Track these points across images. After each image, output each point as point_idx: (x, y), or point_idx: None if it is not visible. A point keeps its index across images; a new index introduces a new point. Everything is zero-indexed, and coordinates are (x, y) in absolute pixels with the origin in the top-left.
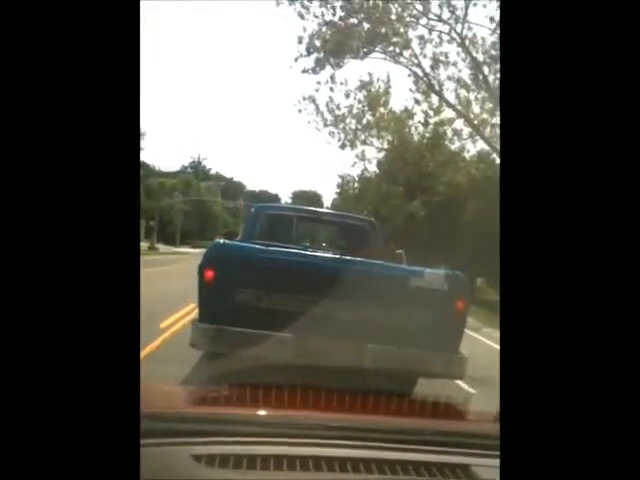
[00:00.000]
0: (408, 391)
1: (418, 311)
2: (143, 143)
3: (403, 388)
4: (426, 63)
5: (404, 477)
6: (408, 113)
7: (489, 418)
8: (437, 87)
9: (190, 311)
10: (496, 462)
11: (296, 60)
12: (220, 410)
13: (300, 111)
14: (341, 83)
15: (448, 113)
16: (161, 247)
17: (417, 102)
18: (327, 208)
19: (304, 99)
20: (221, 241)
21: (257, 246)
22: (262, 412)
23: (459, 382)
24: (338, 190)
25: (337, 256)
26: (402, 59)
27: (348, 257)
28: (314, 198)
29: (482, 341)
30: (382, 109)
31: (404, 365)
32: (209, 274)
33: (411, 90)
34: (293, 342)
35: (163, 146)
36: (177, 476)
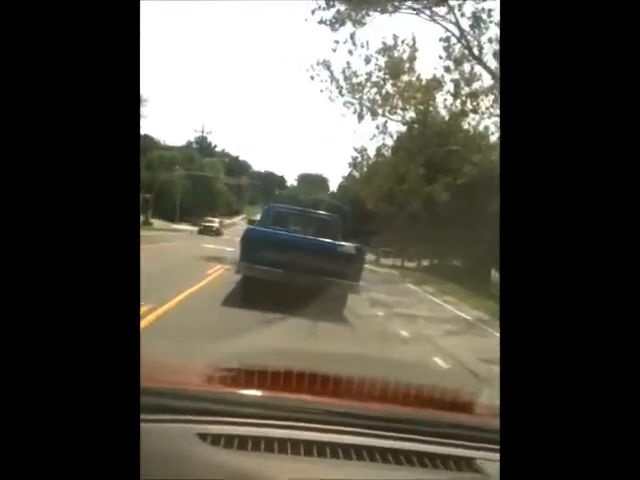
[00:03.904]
0: (341, 302)
1: (341, 263)
2: (147, 112)
3: (339, 301)
4: (464, 22)
5: (408, 467)
6: (437, 82)
7: (495, 412)
8: (476, 51)
9: (161, 315)
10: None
11: (313, 13)
12: (227, 390)
13: (313, 78)
14: (361, 46)
15: (483, 83)
16: (156, 223)
17: (447, 70)
18: (332, 192)
19: (318, 64)
20: (250, 226)
21: (267, 229)
22: (269, 395)
23: None
24: (350, 169)
25: (307, 236)
26: (437, 16)
27: (313, 237)
28: (320, 182)
29: None
30: (406, 77)
31: (334, 287)
32: (244, 243)
33: (441, 57)
34: (283, 274)
35: (170, 120)
36: (181, 454)
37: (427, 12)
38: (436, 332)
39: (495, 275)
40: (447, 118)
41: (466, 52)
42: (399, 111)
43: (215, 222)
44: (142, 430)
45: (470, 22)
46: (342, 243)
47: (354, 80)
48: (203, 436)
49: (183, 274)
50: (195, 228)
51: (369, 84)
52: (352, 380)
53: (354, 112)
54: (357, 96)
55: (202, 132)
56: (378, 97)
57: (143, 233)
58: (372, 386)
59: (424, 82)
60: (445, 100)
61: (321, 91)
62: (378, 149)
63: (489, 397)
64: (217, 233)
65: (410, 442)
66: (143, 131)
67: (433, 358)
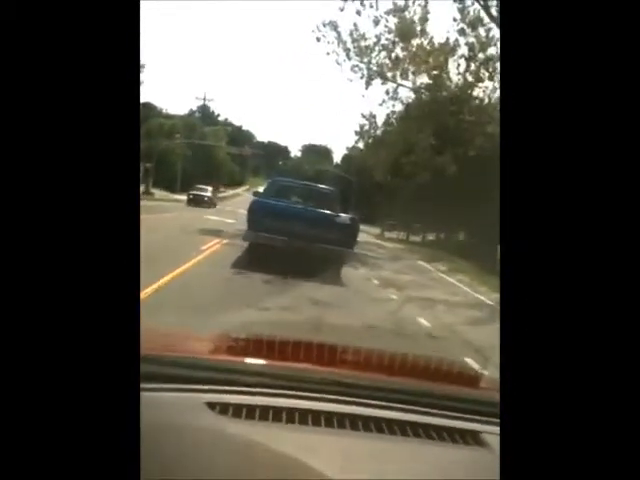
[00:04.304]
0: (338, 267)
1: (337, 232)
2: (145, 78)
3: (336, 266)
4: None
5: (413, 438)
6: (450, 46)
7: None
8: (494, 12)
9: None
10: None
11: None
12: (236, 359)
13: (319, 39)
14: (370, 6)
15: (499, 49)
16: (157, 193)
17: (462, 33)
18: (337, 163)
19: (324, 25)
20: (257, 198)
21: (271, 200)
22: (276, 364)
23: None
24: (357, 138)
25: (306, 207)
26: None
27: (312, 208)
28: (324, 153)
29: None
30: (417, 40)
31: (332, 253)
32: (251, 213)
33: (455, 19)
34: (285, 241)
35: (173, 88)
36: (189, 422)
37: None
38: (459, 320)
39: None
40: (460, 85)
41: (483, 13)
42: (410, 75)
43: (207, 191)
44: (150, 399)
45: None
46: (339, 214)
47: (362, 43)
48: (212, 405)
49: (177, 248)
50: None
51: (378, 48)
52: (360, 351)
53: (361, 77)
54: (365, 59)
55: (204, 99)
56: (387, 61)
57: (142, 203)
58: (380, 357)
59: (436, 46)
60: (458, 66)
61: (327, 54)
62: (387, 116)
63: None
64: (210, 204)
65: (416, 414)
66: (144, 99)
67: (465, 359)
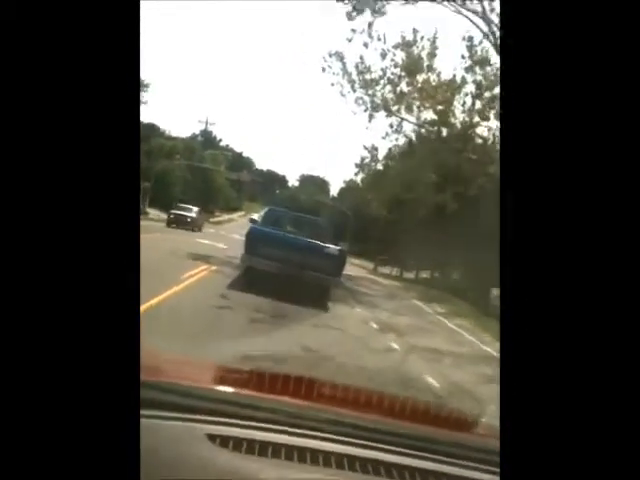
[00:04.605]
0: (324, 294)
1: (326, 262)
2: (148, 98)
3: (321, 292)
4: (494, 18)
5: None
6: (457, 83)
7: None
8: None
9: None
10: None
11: None
12: (238, 392)
13: (324, 70)
14: (378, 39)
15: None
16: (152, 212)
17: (470, 70)
18: (333, 196)
19: (330, 55)
20: (254, 226)
21: (267, 229)
22: (280, 399)
23: None
24: (357, 170)
25: (299, 237)
26: (463, 8)
27: (304, 238)
28: (321, 184)
29: None
30: (424, 75)
31: (320, 280)
32: (248, 239)
33: (463, 57)
34: (278, 266)
35: (178, 111)
36: (189, 453)
37: (454, 2)
38: (470, 379)
39: (494, 293)
40: (465, 123)
41: (491, 52)
42: (414, 110)
43: (191, 211)
44: (149, 427)
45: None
46: (328, 245)
47: (367, 76)
48: (212, 437)
49: (159, 274)
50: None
51: (383, 81)
52: (362, 391)
53: (365, 110)
54: (370, 92)
55: (206, 123)
56: (392, 95)
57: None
58: (381, 399)
59: (443, 82)
60: (464, 103)
61: (332, 85)
62: (390, 150)
63: None
64: (193, 226)
65: (416, 459)
66: (148, 119)
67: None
